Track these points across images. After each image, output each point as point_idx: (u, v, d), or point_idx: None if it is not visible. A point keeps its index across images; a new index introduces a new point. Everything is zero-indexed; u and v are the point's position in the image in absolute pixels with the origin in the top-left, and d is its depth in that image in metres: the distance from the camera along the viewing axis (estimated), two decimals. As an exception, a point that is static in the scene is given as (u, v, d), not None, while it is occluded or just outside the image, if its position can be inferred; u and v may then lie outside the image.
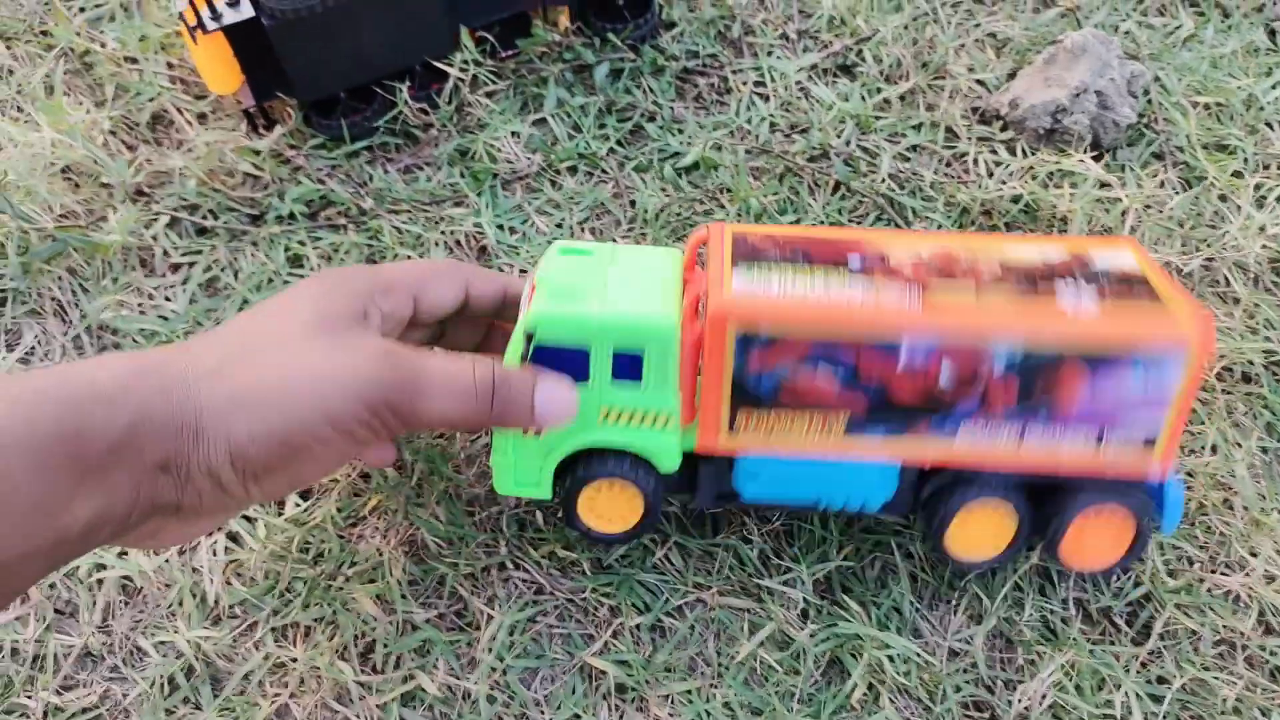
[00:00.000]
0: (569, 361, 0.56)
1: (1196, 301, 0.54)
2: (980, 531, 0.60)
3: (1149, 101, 0.87)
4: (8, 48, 0.90)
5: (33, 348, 0.75)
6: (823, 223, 0.81)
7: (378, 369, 0.50)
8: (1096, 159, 0.83)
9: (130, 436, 0.44)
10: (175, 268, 0.79)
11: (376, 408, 0.49)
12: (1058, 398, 0.54)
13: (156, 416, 0.45)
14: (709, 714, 0.62)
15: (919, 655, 0.63)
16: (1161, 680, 0.63)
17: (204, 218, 0.81)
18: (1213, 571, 0.66)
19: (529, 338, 0.56)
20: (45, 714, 0.61)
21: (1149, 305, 0.54)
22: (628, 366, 0.56)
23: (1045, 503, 0.60)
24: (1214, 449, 0.71)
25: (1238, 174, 0.83)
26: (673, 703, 0.62)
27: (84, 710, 0.62)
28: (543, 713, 0.62)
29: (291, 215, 0.81)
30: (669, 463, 0.59)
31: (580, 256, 0.61)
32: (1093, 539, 0.60)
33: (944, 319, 0.53)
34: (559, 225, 0.81)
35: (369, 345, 0.51)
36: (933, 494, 0.60)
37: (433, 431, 0.70)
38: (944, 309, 0.54)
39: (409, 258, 0.79)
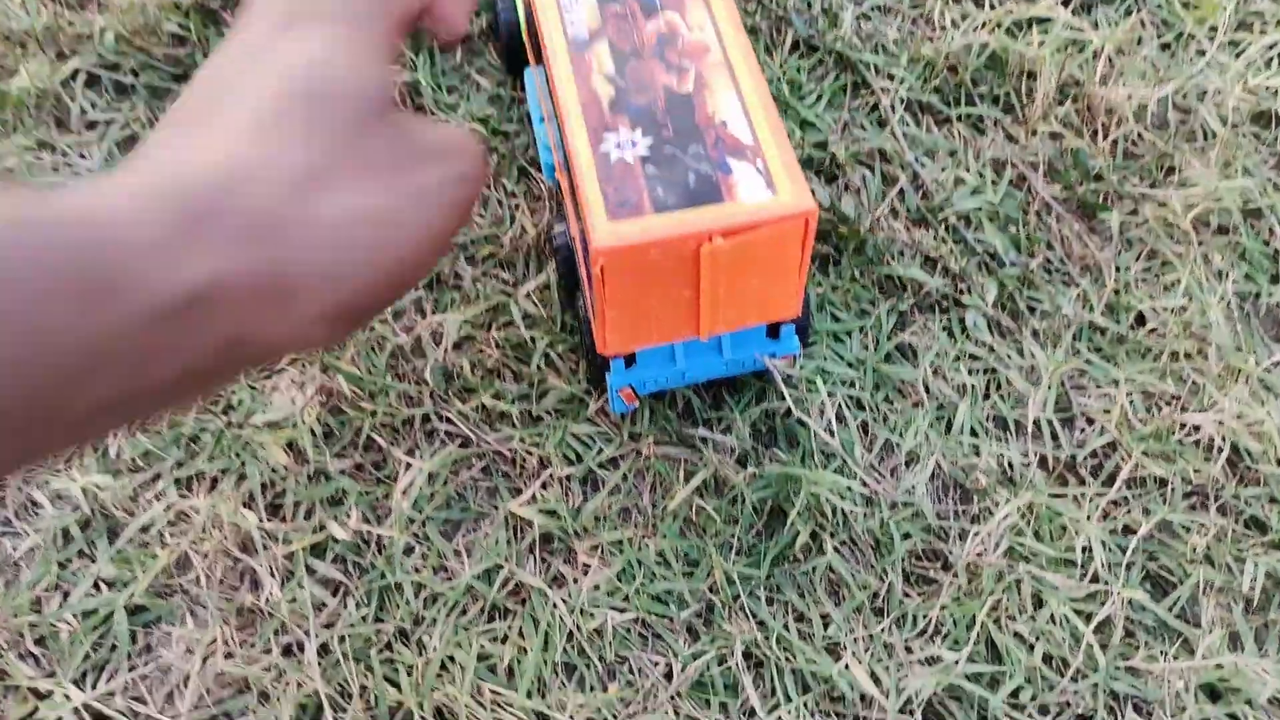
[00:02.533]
0: None
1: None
2: None
3: (1126, -40, 0.82)
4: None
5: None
6: (780, 79, 0.76)
7: None
8: (1065, 5, 0.79)
9: None
10: (91, 125, 0.75)
11: None
12: None
13: None
14: (641, 564, 0.58)
15: (863, 494, 0.59)
16: (1128, 530, 0.59)
17: (125, 75, 0.77)
18: (1183, 410, 0.62)
19: None
20: (-74, 562, 0.57)
21: None
22: None
23: None
24: (1188, 296, 0.66)
25: (1215, 29, 0.78)
26: (603, 553, 0.58)
27: (-29, 562, 0.58)
28: (463, 564, 0.58)
29: (215, 72, 0.76)
30: None
31: None
32: None
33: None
34: (500, 84, 0.77)
35: None
36: None
37: None
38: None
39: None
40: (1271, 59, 0.76)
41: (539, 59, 0.62)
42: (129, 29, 0.78)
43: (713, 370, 0.59)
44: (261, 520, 0.58)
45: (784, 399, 0.61)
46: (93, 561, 0.58)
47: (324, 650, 0.55)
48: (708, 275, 0.49)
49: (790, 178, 0.49)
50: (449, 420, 0.62)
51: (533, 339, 0.65)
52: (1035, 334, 0.65)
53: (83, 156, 0.73)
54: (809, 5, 0.81)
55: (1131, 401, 0.63)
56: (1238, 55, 0.76)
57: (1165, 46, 0.78)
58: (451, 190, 0.32)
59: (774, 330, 0.58)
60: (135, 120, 0.75)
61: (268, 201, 0.26)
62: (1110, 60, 0.73)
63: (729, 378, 0.63)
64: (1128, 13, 0.79)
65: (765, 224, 0.47)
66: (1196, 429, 0.61)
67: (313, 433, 0.61)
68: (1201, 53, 0.77)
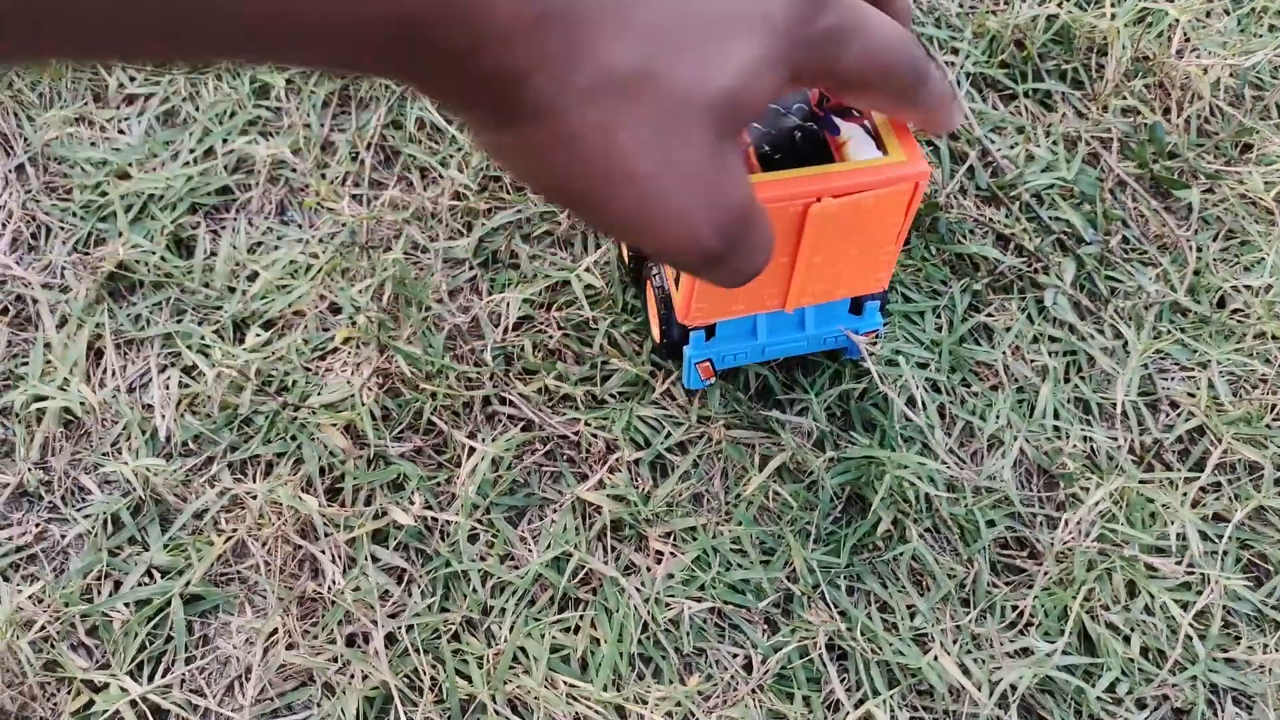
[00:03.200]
0: None
1: None
2: None
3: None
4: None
5: (-29, 179, 0.68)
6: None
7: None
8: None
9: None
10: (130, 99, 0.72)
11: None
12: None
13: None
14: (716, 551, 0.55)
15: (943, 475, 0.56)
16: (1219, 518, 0.57)
17: (162, 49, 0.74)
18: (1273, 393, 0.59)
19: None
20: (-27, 548, 0.55)
21: None
22: None
23: None
24: (1273, 276, 0.64)
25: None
26: (676, 540, 0.56)
27: (18, 549, 0.56)
28: (530, 551, 0.56)
29: (257, 45, 0.74)
30: None
31: None
32: None
33: None
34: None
35: None
36: None
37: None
38: None
39: (385, 85, 0.72)
40: (1349, 33, 0.73)
41: None
42: (167, 0, 0.75)
43: (793, 346, 0.57)
44: (321, 505, 0.56)
45: (860, 380, 0.59)
46: (145, 549, 0.56)
47: (390, 640, 0.53)
48: (809, 239, 0.46)
49: (900, 138, 0.46)
50: (510, 403, 0.60)
51: (594, 319, 0.62)
52: (1118, 314, 0.63)
53: (121, 132, 0.71)
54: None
55: (1217, 384, 0.60)
56: (1314, 29, 0.74)
57: (1237, 21, 0.76)
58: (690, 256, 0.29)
59: (857, 306, 0.55)
60: (175, 94, 0.72)
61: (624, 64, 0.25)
62: (1186, 34, 0.71)
63: (801, 358, 0.60)
64: (1197, -14, 0.77)
65: (877, 185, 0.45)
66: (1288, 413, 0.59)
67: (371, 415, 0.59)
68: (1273, 28, 0.75)
